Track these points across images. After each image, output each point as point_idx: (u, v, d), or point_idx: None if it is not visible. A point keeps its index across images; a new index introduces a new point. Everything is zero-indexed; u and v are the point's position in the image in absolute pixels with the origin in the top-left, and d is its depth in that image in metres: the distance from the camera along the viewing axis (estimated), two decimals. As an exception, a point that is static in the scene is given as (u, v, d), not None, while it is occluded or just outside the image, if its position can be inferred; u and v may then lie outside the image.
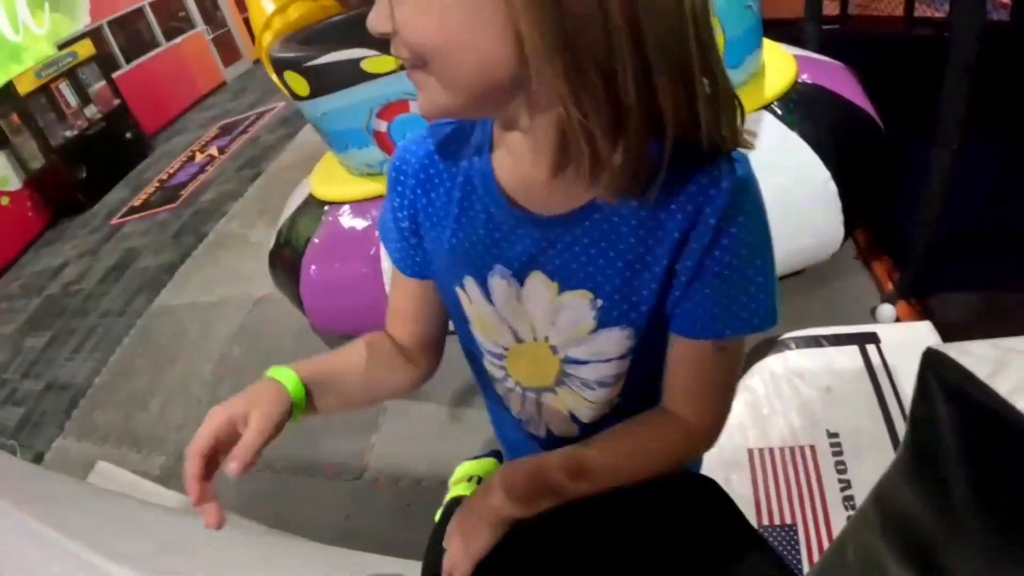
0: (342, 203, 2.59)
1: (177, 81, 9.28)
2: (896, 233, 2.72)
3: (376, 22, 0.58)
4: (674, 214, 0.62)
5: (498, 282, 0.71)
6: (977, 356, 0.67)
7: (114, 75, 7.77)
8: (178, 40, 9.54)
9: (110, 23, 8.48)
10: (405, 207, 0.76)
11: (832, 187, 2.20)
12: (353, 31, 2.60)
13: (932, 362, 0.71)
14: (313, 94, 2.46)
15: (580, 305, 0.69)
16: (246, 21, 8.94)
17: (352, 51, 2.30)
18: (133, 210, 6.15)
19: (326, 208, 2.62)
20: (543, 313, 0.72)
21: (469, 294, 0.75)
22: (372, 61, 2.27)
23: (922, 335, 2.27)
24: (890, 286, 2.59)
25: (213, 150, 6.98)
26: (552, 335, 0.73)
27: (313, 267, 2.55)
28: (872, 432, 1.95)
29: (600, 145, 0.56)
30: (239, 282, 3.96)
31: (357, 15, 2.86)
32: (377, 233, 2.40)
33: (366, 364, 0.82)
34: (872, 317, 2.50)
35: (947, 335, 2.36)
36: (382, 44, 1.85)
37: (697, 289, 0.64)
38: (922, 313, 2.43)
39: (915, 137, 2.37)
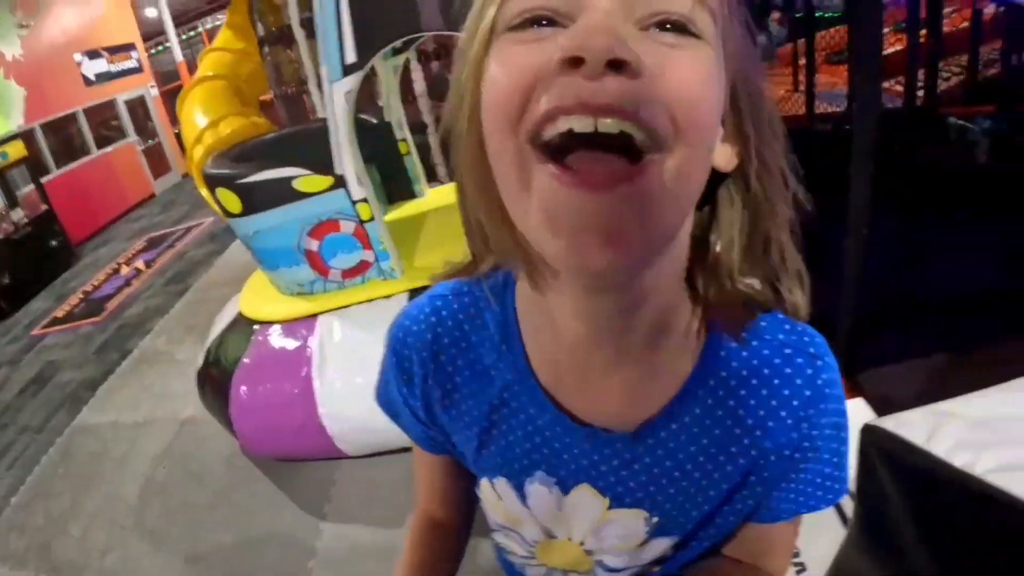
0: (272, 322, 2.55)
1: (106, 190, 9.18)
2: (820, 318, 2.85)
3: (610, 43, 0.38)
4: (764, 431, 0.55)
5: (538, 489, 0.62)
6: (912, 424, 0.71)
7: (43, 179, 7.68)
8: (109, 149, 9.51)
9: (42, 126, 8.41)
10: (415, 394, 0.64)
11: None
12: (285, 149, 2.63)
13: (870, 437, 0.73)
14: (245, 211, 2.46)
15: (632, 523, 0.61)
16: (178, 136, 9.02)
17: (284, 169, 2.33)
18: (56, 321, 5.92)
19: (256, 327, 2.57)
20: (587, 524, 0.63)
21: (499, 492, 0.65)
22: (304, 180, 2.30)
23: (856, 412, 2.34)
24: None
25: (140, 263, 6.84)
26: (591, 542, 0.65)
27: (243, 388, 2.47)
28: (820, 512, 1.98)
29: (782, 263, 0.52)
30: (165, 401, 3.80)
31: (289, 133, 2.91)
32: (309, 353, 2.38)
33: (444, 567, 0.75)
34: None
35: (880, 408, 2.43)
36: (313, 163, 1.88)
37: (779, 484, 0.59)
38: (853, 390, 2.50)
39: (824, 223, 2.52)
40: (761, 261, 0.53)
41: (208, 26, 13.49)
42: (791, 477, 0.58)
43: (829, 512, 2.00)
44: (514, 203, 0.44)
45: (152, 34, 12.56)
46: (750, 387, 0.54)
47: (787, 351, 0.55)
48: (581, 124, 0.38)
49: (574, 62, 0.38)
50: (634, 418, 0.56)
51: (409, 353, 0.63)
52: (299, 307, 2.52)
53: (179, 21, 11.77)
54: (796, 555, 1.88)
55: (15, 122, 8.01)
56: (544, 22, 0.41)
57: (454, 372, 0.62)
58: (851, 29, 6.65)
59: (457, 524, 0.78)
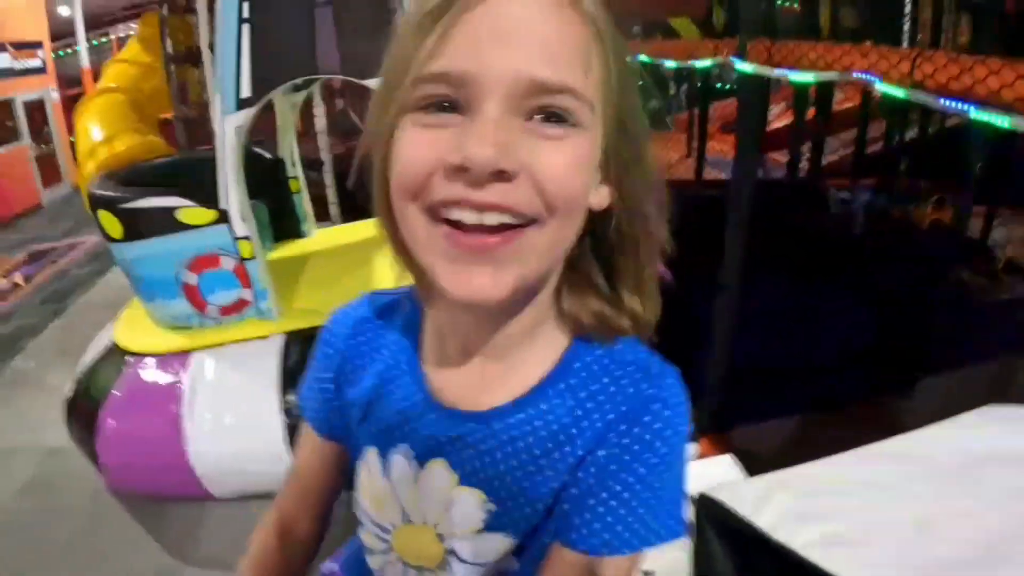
0: (146, 355, 2.46)
1: (-11, 194, 8.62)
2: (692, 376, 2.98)
3: (497, 155, 0.48)
4: (599, 422, 0.62)
5: (398, 460, 0.70)
6: (741, 496, 0.76)
7: (-77, 175, 7.12)
8: (0, 150, 8.94)
9: (-69, 116, 7.82)
10: (331, 368, 0.76)
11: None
12: (172, 178, 2.58)
13: (703, 504, 0.79)
14: (126, 237, 2.38)
15: (473, 503, 0.66)
16: (73, 144, 8.65)
17: (169, 199, 2.28)
18: (-83, 333, 5.46)
19: (129, 359, 2.47)
20: (437, 500, 0.68)
21: (369, 465, 0.73)
22: (187, 211, 2.25)
23: (724, 468, 2.44)
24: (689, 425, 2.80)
25: (18, 277, 6.47)
26: (441, 524, 0.69)
27: (111, 421, 2.36)
28: (687, 566, 2.05)
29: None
30: (31, 429, 3.59)
31: (178, 161, 2.85)
32: (181, 390, 2.31)
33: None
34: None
35: (749, 464, 2.56)
36: (199, 195, 1.85)
37: (587, 498, 0.62)
38: (723, 447, 2.62)
39: (706, 286, 2.66)
40: (623, 287, 0.65)
41: (121, 34, 12.99)
42: (600, 493, 0.61)
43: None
44: (413, 244, 0.55)
45: (61, 34, 12.00)
46: (590, 391, 0.63)
47: (631, 368, 0.64)
48: (468, 216, 0.51)
49: (462, 169, 0.48)
50: (488, 404, 0.65)
51: (333, 336, 0.77)
52: (174, 341, 2.43)
53: (91, 24, 11.27)
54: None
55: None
56: (447, 104, 0.51)
57: (365, 352, 0.74)
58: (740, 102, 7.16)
59: (308, 531, 0.85)
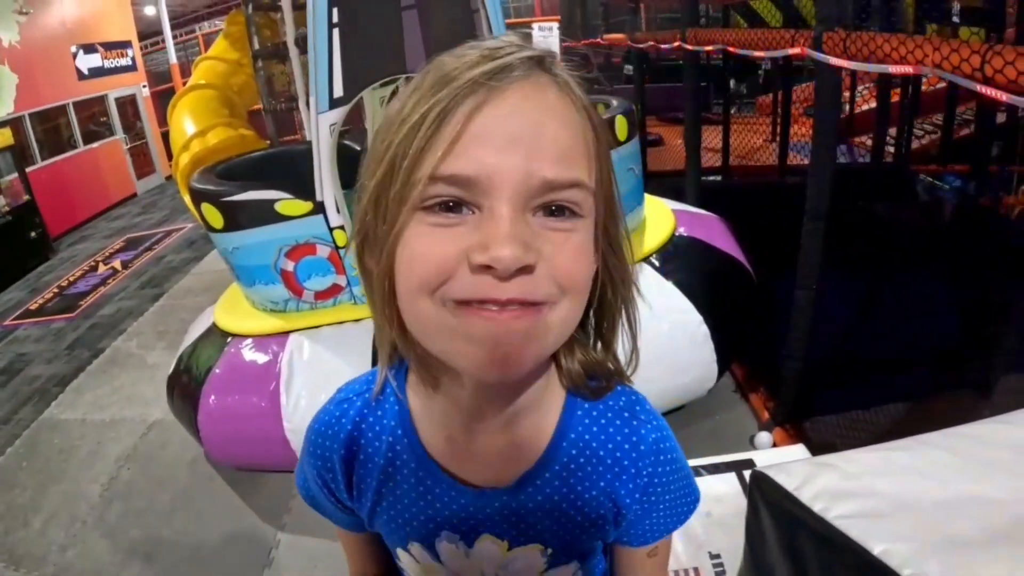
0: (245, 336, 2.63)
1: (89, 186, 9.18)
2: (771, 366, 2.93)
3: (523, 252, 0.49)
4: (616, 483, 0.69)
5: (446, 546, 0.72)
6: (789, 472, 0.82)
7: (28, 169, 7.65)
8: (96, 144, 9.52)
9: (32, 115, 8.42)
10: (341, 487, 0.74)
11: (704, 330, 2.42)
12: (270, 171, 2.73)
13: (756, 482, 0.85)
14: (226, 228, 2.56)
15: (532, 556, 0.72)
16: (164, 135, 9.09)
17: (268, 192, 2.43)
18: (28, 313, 5.92)
19: (229, 339, 2.65)
20: (493, 566, 0.74)
21: (415, 555, 0.75)
22: (285, 204, 2.40)
23: (795, 458, 2.46)
24: (766, 415, 2.79)
25: (116, 263, 6.86)
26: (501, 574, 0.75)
27: (212, 397, 2.55)
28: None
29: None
30: (134, 404, 3.85)
31: (275, 155, 3.01)
32: (278, 369, 2.46)
33: None
34: (751, 444, 2.68)
35: (820, 455, 2.56)
36: (294, 187, 1.99)
37: (641, 517, 0.73)
38: (796, 437, 2.62)
39: (786, 277, 2.65)
40: (605, 336, 0.68)
41: (205, 30, 13.54)
42: (649, 511, 0.73)
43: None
44: (423, 333, 0.56)
45: (149, 33, 12.58)
46: (600, 441, 0.68)
47: (626, 415, 0.69)
48: (491, 307, 0.51)
49: (487, 268, 0.49)
50: (513, 475, 0.68)
51: (329, 455, 0.73)
52: (272, 323, 2.60)
53: (177, 22, 11.81)
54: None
55: (5, 108, 8.02)
56: (451, 204, 0.51)
57: (365, 461, 0.72)
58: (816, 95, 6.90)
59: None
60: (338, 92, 2.23)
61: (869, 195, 5.61)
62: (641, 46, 4.48)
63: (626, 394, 0.71)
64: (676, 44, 3.39)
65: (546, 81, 0.53)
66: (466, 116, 0.50)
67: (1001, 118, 6.28)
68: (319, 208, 2.38)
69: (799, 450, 2.48)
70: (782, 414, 2.73)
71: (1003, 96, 1.63)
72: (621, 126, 2.51)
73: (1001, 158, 6.09)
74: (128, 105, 10.47)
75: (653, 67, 7.67)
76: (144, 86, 10.89)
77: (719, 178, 5.77)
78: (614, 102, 2.78)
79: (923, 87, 6.91)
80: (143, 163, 10.60)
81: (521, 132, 0.50)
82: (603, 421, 0.69)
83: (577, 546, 0.72)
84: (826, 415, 2.83)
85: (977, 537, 0.64)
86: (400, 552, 0.76)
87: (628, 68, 6.92)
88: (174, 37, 11.45)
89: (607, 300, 0.64)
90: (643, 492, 0.71)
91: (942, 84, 7.10)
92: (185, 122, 4.86)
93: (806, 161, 6.22)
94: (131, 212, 9.19)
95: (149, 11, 12.02)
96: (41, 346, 5.13)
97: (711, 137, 6.18)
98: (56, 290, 6.38)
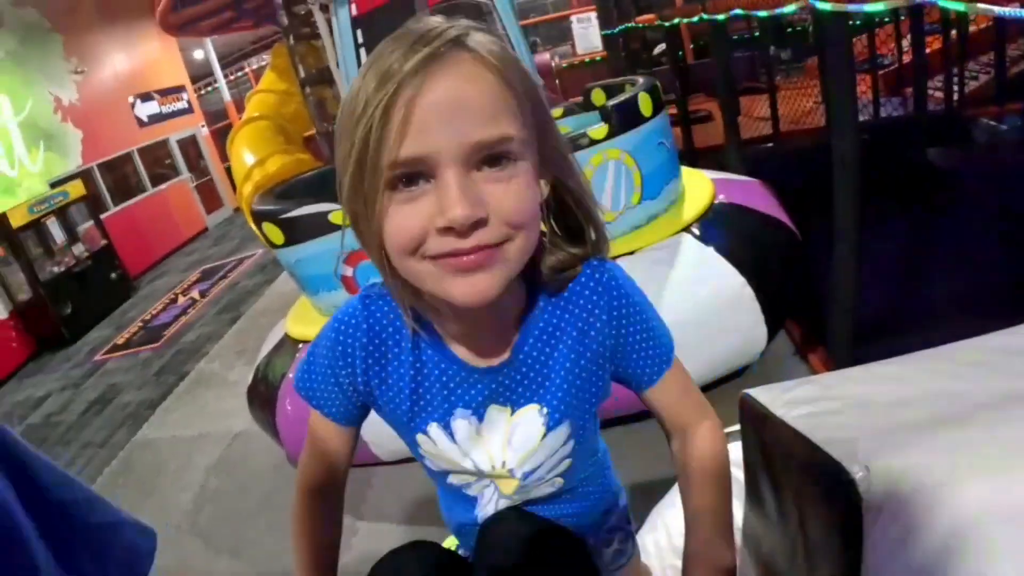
0: (313, 341, 2.78)
1: (161, 225, 9.70)
2: (827, 325, 2.92)
3: (470, 208, 0.63)
4: (582, 320, 0.83)
5: (460, 423, 0.87)
6: (770, 390, 0.87)
7: (102, 216, 8.13)
8: (163, 186, 10.06)
9: (100, 166, 8.97)
10: (356, 372, 0.86)
11: (748, 291, 2.44)
12: (322, 186, 2.89)
13: (743, 402, 0.92)
14: (287, 243, 2.72)
15: (531, 418, 0.87)
16: (228, 171, 9.51)
17: (321, 205, 2.59)
18: (116, 348, 6.29)
19: (300, 346, 2.82)
20: (501, 437, 0.88)
21: (433, 438, 0.88)
22: (338, 214, 2.55)
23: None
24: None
25: (195, 293, 7.21)
26: (509, 458, 0.89)
27: (288, 400, 2.72)
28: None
29: (565, 255, 0.81)
30: (218, 418, 4.08)
31: (324, 172, 3.18)
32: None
33: (331, 532, 0.99)
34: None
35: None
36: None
37: (628, 356, 0.86)
38: None
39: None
40: (573, 231, 0.82)
41: (254, 66, 14.08)
42: (629, 344, 0.85)
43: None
44: (419, 281, 0.71)
45: (201, 75, 13.17)
46: (566, 311, 0.84)
47: (587, 273, 0.84)
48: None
49: (448, 230, 0.64)
50: (507, 351, 0.84)
51: (352, 342, 0.86)
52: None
53: (225, 62, 12.35)
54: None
55: (74, 162, 8.60)
56: (411, 178, 0.65)
57: (387, 352, 0.86)
58: (870, 38, 6.71)
59: (336, 503, 1.00)
60: None
61: (921, 144, 5.45)
62: (668, 23, 4.51)
63: (590, 268, 0.84)
64: (697, 17, 3.42)
65: (465, 57, 0.65)
66: (406, 106, 0.62)
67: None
68: (369, 214, 2.52)
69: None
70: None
71: (996, 12, 1.57)
72: (644, 103, 2.57)
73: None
74: (190, 146, 11.01)
75: (697, 44, 7.62)
76: (203, 126, 11.43)
77: (771, 145, 5.72)
78: (640, 80, 2.84)
79: (971, 27, 6.65)
80: (210, 199, 11.14)
81: (450, 109, 0.63)
82: (566, 295, 0.83)
83: (567, 402, 0.86)
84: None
85: (925, 422, 0.64)
86: (420, 437, 0.89)
87: (659, 48, 6.88)
88: (225, 76, 11.95)
89: (567, 204, 0.79)
90: (616, 329, 0.84)
91: (990, 22, 6.82)
92: (244, 154, 5.11)
93: (863, 117, 6.10)
94: (204, 246, 9.67)
95: (198, 55, 12.61)
96: (130, 376, 5.49)
97: (760, 106, 6.13)
98: (140, 324, 6.78)
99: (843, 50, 2.32)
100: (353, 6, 2.39)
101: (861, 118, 5.96)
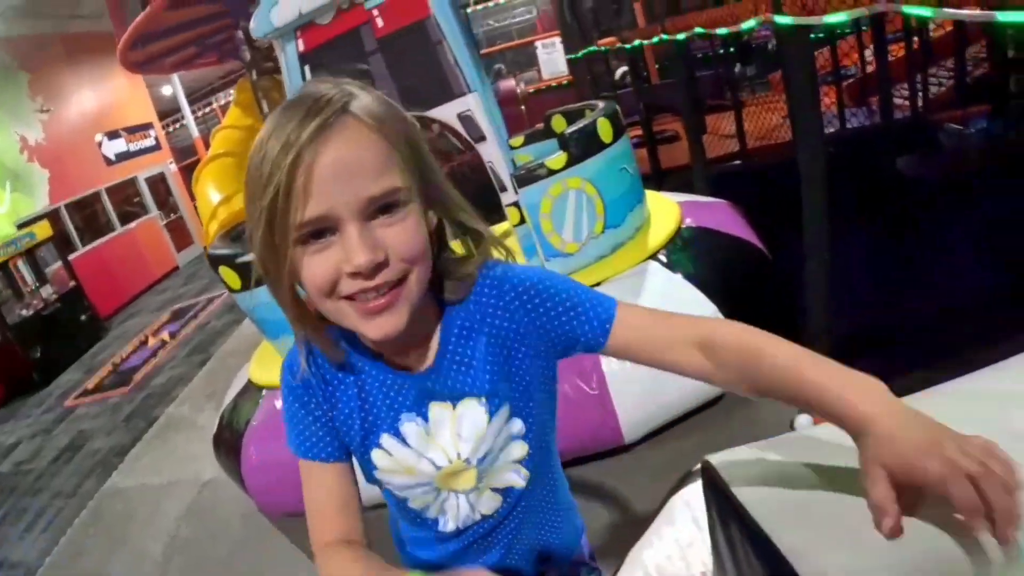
0: (278, 387, 2.70)
1: (131, 264, 9.56)
2: (804, 343, 2.89)
3: (371, 255, 0.72)
4: (490, 314, 0.89)
5: (408, 426, 0.92)
6: (728, 460, 0.82)
7: (70, 257, 8.02)
8: (132, 225, 9.93)
9: (67, 205, 8.82)
10: (315, 403, 0.92)
11: (719, 318, 2.39)
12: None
13: (705, 468, 0.86)
14: (244, 287, 2.65)
15: (472, 407, 0.91)
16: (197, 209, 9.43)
17: (275, 247, 2.52)
18: (86, 392, 6.23)
19: (264, 393, 2.74)
20: (449, 431, 0.92)
21: (387, 448, 0.93)
22: (294, 256, 2.48)
23: (837, 436, 2.38)
24: None
25: (165, 335, 7.13)
26: (462, 448, 0.92)
27: (252, 448, 2.63)
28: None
29: (459, 270, 0.88)
30: (187, 464, 4.00)
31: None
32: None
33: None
34: (791, 428, 2.62)
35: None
36: None
37: (560, 328, 0.89)
38: None
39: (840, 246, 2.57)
40: (469, 252, 0.90)
41: (222, 101, 14.02)
42: (551, 317, 0.89)
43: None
44: (337, 319, 0.79)
45: (169, 111, 13.09)
46: (470, 308, 0.90)
47: (481, 276, 0.90)
48: (369, 295, 0.75)
49: (355, 274, 0.73)
50: (429, 360, 0.90)
51: (304, 386, 0.92)
52: (300, 371, 2.67)
53: (194, 97, 12.27)
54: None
55: (41, 202, 8.47)
56: (318, 233, 0.73)
57: (332, 379, 0.92)
58: (833, 51, 6.77)
59: (363, 540, 0.95)
60: None
61: (889, 153, 5.47)
62: (629, 46, 4.50)
63: (483, 272, 0.90)
64: (657, 38, 3.40)
65: (351, 122, 0.73)
66: (306, 172, 0.71)
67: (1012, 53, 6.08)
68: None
69: (837, 428, 2.41)
70: None
71: (962, 16, 1.59)
72: (604, 128, 2.52)
73: (1020, 91, 5.88)
74: (159, 183, 10.91)
75: (662, 64, 7.66)
76: (171, 163, 11.34)
77: (738, 162, 5.73)
78: (600, 104, 2.80)
79: (932, 33, 6.74)
80: (181, 236, 11.02)
81: (344, 171, 0.72)
82: (471, 299, 0.90)
83: (499, 386, 0.91)
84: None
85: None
86: (375, 453, 0.93)
87: (619, 71, 6.90)
88: (193, 112, 11.87)
89: (455, 227, 0.88)
90: (526, 312, 0.90)
91: (949, 27, 6.93)
92: (210, 192, 5.03)
93: (829, 130, 6.15)
94: (175, 284, 9.57)
95: (166, 90, 12.52)
96: (100, 421, 5.41)
97: (726, 123, 6.14)
98: (110, 367, 6.68)
99: (805, 65, 2.30)
100: (300, 42, 2.32)
101: (827, 130, 6.03)
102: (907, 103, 6.42)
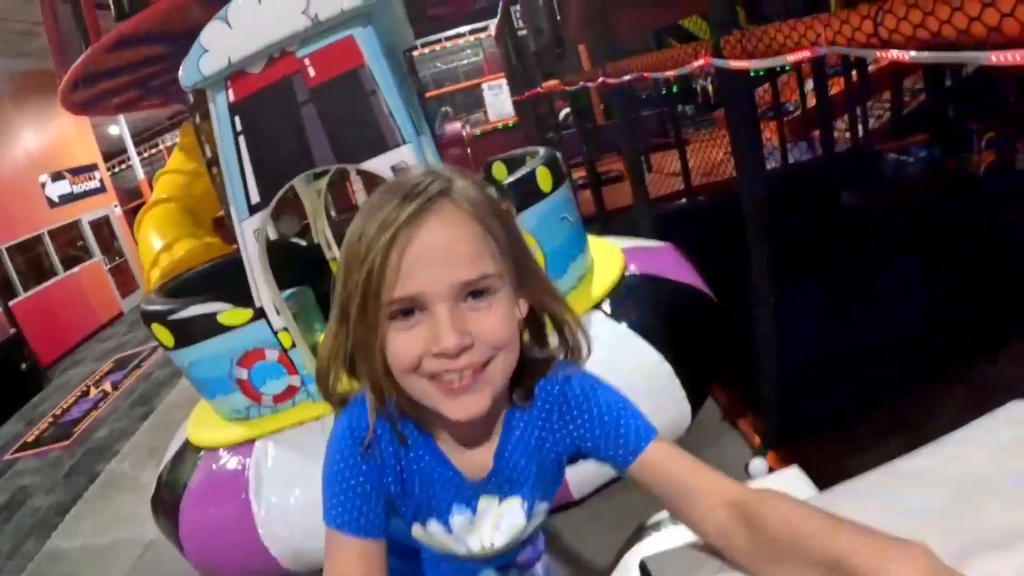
0: (215, 448, 2.61)
1: (74, 311, 9.28)
2: (755, 387, 2.81)
3: (458, 339, 0.74)
4: (545, 424, 0.93)
5: (457, 518, 0.97)
6: (664, 562, 0.82)
7: (11, 303, 7.79)
8: (76, 269, 9.66)
9: (8, 248, 8.55)
10: (372, 477, 0.90)
11: (667, 368, 2.39)
12: (209, 285, 2.74)
13: (642, 568, 0.83)
14: (177, 345, 2.57)
15: (514, 509, 0.97)
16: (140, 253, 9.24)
17: (210, 305, 2.46)
18: (26, 446, 6.01)
19: (201, 453, 2.64)
20: (490, 523, 0.98)
21: (431, 532, 0.98)
22: (227, 314, 2.42)
23: (792, 481, 2.35)
24: (757, 440, 2.71)
25: (107, 385, 6.93)
26: (497, 539, 0.99)
27: (189, 512, 2.54)
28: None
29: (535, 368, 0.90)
30: (130, 524, 3.85)
31: (223, 264, 3.02)
32: (246, 477, 2.44)
33: None
34: (746, 473, 2.60)
35: (816, 473, 2.45)
36: (239, 298, 2.00)
37: (597, 446, 0.89)
38: (792, 457, 2.52)
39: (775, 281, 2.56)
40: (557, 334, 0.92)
41: (168, 143, 13.80)
42: (593, 436, 0.90)
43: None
44: (420, 396, 0.81)
45: (115, 152, 12.82)
46: (533, 412, 0.93)
47: (552, 378, 0.93)
48: (452, 375, 0.77)
49: (441, 354, 0.75)
50: (488, 461, 0.94)
51: (361, 456, 0.90)
52: (238, 432, 2.60)
53: (141, 138, 12.04)
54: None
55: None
56: (408, 311, 0.76)
57: (395, 452, 0.92)
58: (773, 87, 6.95)
59: None
60: (255, 198, 2.26)
61: (833, 187, 5.59)
62: (571, 88, 4.55)
63: (556, 372, 0.93)
64: (599, 80, 3.43)
65: (449, 207, 0.76)
66: (401, 252, 0.73)
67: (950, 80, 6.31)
68: (261, 313, 2.38)
69: (795, 473, 2.38)
70: (772, 436, 2.64)
71: (905, 56, 1.55)
72: (543, 177, 2.52)
73: (958, 119, 6.07)
74: (103, 226, 10.66)
75: (607, 104, 7.76)
76: (116, 206, 11.10)
77: (684, 201, 5.80)
78: (540, 151, 2.80)
79: (870, 68, 6.97)
80: (126, 281, 10.75)
81: (439, 253, 0.74)
82: (537, 403, 0.93)
83: (539, 494, 0.98)
84: (821, 426, 2.74)
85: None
86: (416, 528, 0.98)
87: (562, 113, 6.99)
88: (139, 152, 11.64)
89: (546, 319, 0.90)
90: (576, 428, 0.92)
91: (887, 61, 7.17)
92: (152, 238, 4.91)
93: (772, 165, 6.28)
94: (120, 331, 9.31)
95: (113, 130, 12.27)
96: (40, 477, 5.21)
97: (671, 162, 6.23)
98: (51, 419, 6.45)
99: (745, 106, 2.31)
100: (231, 92, 2.26)
101: (770, 165, 6.15)
102: (848, 136, 6.61)
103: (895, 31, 1.53)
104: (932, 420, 2.75)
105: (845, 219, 5.23)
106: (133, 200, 12.34)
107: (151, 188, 11.41)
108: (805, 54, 1.86)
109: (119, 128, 11.68)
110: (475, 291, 0.76)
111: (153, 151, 13.93)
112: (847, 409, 2.85)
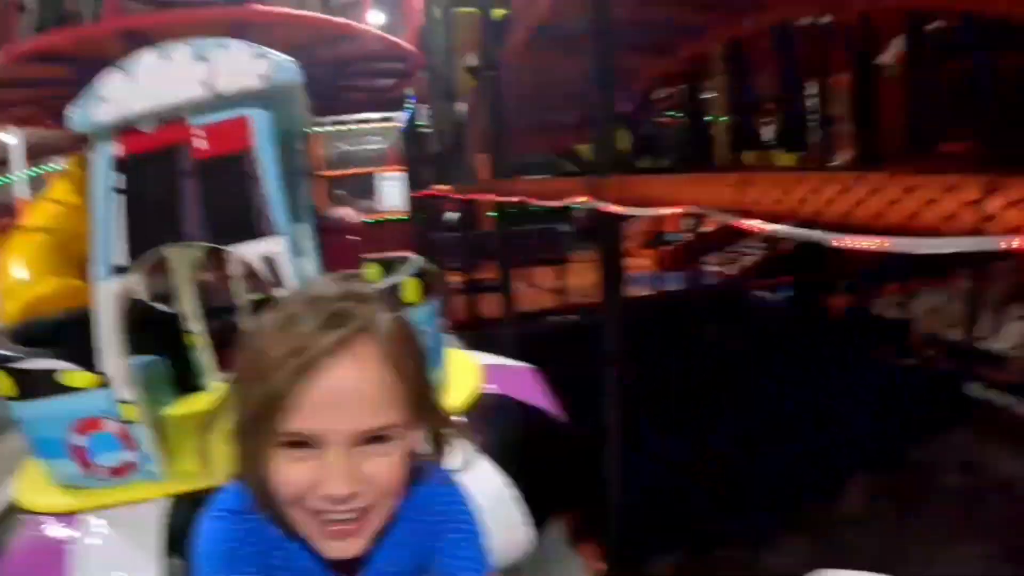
0: (41, 513, 2.41)
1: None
2: (601, 514, 2.95)
3: (350, 489, 0.75)
4: (418, 535, 0.94)
5: None
6: None
7: None
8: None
9: None
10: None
11: (509, 492, 2.40)
12: (57, 339, 2.60)
13: None
14: (18, 396, 2.39)
15: None
16: None
17: (50, 362, 2.34)
18: None
19: (25, 518, 2.43)
20: None
21: None
22: (70, 375, 2.30)
23: None
24: (600, 565, 2.80)
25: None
26: None
27: (11, 576, 2.31)
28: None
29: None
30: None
31: (65, 322, 2.87)
32: (66, 552, 2.26)
33: None
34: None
35: None
36: (81, 359, 1.90)
37: (448, 550, 0.95)
38: None
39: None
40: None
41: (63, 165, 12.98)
42: (448, 545, 0.96)
43: None
44: (301, 524, 0.80)
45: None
46: (407, 521, 0.91)
47: (428, 489, 0.94)
48: (336, 515, 0.77)
49: (328, 497, 0.74)
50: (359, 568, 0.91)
51: (234, 554, 0.87)
52: (64, 501, 2.42)
53: (34, 152, 11.35)
54: None
55: None
56: (304, 443, 0.74)
57: (267, 561, 0.88)
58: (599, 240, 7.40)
59: None
60: (120, 260, 2.21)
61: (701, 318, 5.98)
62: (462, 196, 4.76)
63: (432, 482, 0.95)
64: (490, 197, 3.64)
65: (368, 347, 0.76)
66: (308, 387, 0.72)
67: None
68: (107, 380, 2.30)
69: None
70: (615, 563, 2.72)
71: (756, 227, 1.68)
72: (410, 289, 2.52)
73: (820, 266, 6.62)
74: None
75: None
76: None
77: (559, 318, 6.05)
78: (413, 259, 2.81)
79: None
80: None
81: (347, 397, 0.74)
82: (410, 510, 0.92)
83: None
84: (657, 560, 2.83)
85: None
86: None
87: (449, 216, 7.20)
88: (28, 167, 10.94)
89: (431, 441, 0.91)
90: (448, 536, 0.96)
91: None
92: (14, 267, 4.62)
93: (647, 292, 6.64)
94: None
95: (7, 138, 11.49)
96: None
97: (551, 277, 6.52)
98: None
99: (614, 247, 2.45)
100: (118, 145, 2.21)
101: (644, 292, 6.51)
102: (723, 271, 7.14)
103: (756, 202, 1.66)
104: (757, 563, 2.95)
105: (711, 353, 5.55)
106: (4, 216, 11.42)
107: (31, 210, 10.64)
108: (674, 210, 2.06)
109: (14, 137, 10.99)
110: (374, 438, 0.76)
111: (45, 168, 13.04)
112: (687, 540, 2.99)
